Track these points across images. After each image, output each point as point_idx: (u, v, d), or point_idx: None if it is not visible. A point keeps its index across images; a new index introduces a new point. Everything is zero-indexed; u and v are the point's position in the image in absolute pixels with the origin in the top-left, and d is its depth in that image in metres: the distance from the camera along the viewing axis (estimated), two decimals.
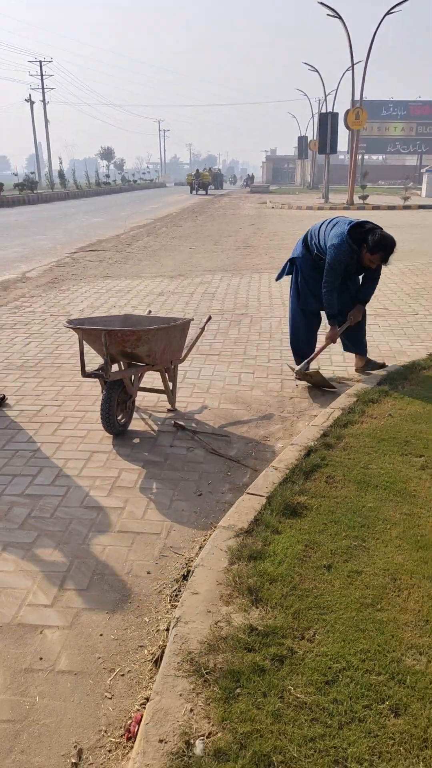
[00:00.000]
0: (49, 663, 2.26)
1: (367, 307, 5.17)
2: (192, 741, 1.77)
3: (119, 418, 4.11)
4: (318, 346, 5.19)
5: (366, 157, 72.58)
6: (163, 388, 4.43)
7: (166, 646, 2.19)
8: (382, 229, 4.66)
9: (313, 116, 54.83)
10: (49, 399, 4.77)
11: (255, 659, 2.03)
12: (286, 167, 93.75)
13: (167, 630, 2.33)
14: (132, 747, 1.89)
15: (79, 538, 3.00)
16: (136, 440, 4.07)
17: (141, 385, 4.55)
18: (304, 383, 5.12)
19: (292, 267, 5.22)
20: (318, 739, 1.76)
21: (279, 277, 5.51)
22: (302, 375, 5.04)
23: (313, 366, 5.22)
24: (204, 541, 2.92)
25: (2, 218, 23.96)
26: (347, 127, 29.65)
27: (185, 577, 2.65)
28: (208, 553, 2.67)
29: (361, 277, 5.00)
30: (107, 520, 3.16)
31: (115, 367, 4.24)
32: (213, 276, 10.33)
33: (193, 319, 4.70)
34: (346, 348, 5.42)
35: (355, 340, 5.30)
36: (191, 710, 1.87)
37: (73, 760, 1.89)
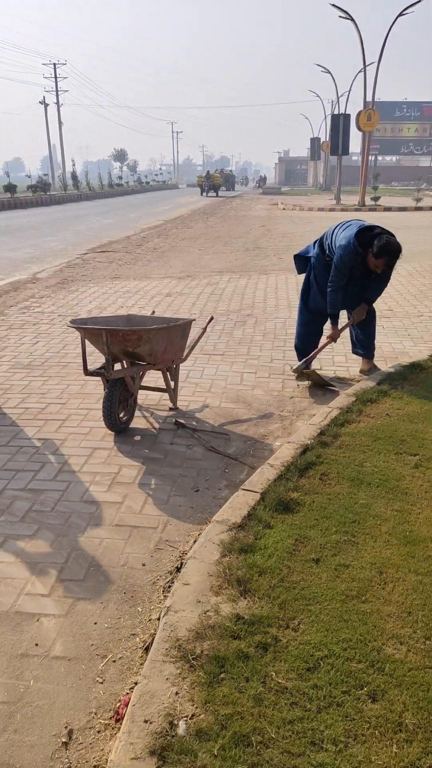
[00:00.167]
0: (45, 649, 2.34)
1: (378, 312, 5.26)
2: (175, 722, 1.85)
3: (121, 415, 4.20)
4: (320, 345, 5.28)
5: (379, 158, 72.45)
6: (165, 387, 4.52)
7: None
8: (390, 234, 4.71)
9: (325, 118, 54.82)
10: (54, 397, 4.87)
11: (240, 646, 2.11)
12: (299, 168, 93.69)
13: (159, 619, 2.41)
14: (120, 728, 1.97)
15: (78, 531, 3.09)
16: (137, 437, 4.16)
17: (144, 384, 4.64)
18: (305, 383, 5.19)
19: (307, 265, 5.31)
20: (296, 722, 1.84)
21: (300, 272, 5.55)
22: (300, 373, 5.13)
23: (314, 366, 5.29)
24: (198, 535, 3.00)
25: (15, 220, 24.17)
26: (359, 128, 29.63)
27: (179, 570, 2.73)
28: (201, 546, 2.75)
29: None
30: (105, 514, 3.24)
31: (118, 367, 4.32)
32: (221, 277, 10.41)
33: (194, 319, 4.78)
34: (354, 350, 5.49)
35: (364, 343, 5.37)
36: (176, 693, 1.95)
37: (64, 740, 1.97)
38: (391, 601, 2.37)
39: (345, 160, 40.92)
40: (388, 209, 27.68)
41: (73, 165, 50.02)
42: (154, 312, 5.48)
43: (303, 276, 5.47)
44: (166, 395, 4.76)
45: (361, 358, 5.51)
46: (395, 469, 3.43)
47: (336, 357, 5.84)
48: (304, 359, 5.23)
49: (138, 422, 4.41)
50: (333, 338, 5.06)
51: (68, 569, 2.80)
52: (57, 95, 66.54)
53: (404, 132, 68.90)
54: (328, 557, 2.64)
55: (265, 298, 8.72)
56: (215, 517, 3.00)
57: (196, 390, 5.05)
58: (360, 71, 29.40)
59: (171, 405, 4.64)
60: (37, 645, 2.36)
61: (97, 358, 5.38)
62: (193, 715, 1.87)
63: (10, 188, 33.52)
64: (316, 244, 5.26)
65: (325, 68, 43.31)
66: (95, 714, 2.07)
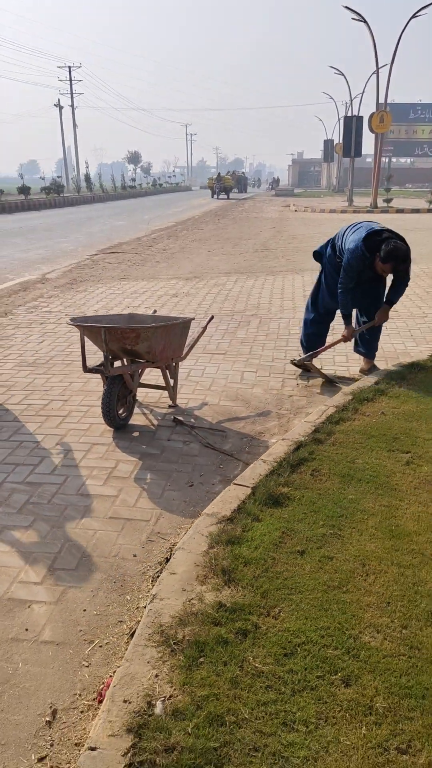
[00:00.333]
0: (34, 634, 2.42)
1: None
2: (153, 702, 1.91)
3: (120, 412, 4.27)
4: (328, 341, 5.37)
5: (394, 160, 72.17)
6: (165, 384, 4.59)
7: None
8: (399, 238, 4.75)
9: (339, 120, 54.76)
10: (56, 394, 4.96)
11: (220, 632, 2.17)
12: (313, 170, 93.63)
13: (146, 607, 2.48)
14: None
15: (73, 523, 3.17)
16: (136, 434, 4.24)
17: (144, 382, 4.72)
18: (305, 382, 5.24)
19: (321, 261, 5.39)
20: (270, 704, 1.90)
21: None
22: (300, 365, 5.25)
23: (316, 364, 5.35)
24: (189, 527, 3.06)
25: (28, 221, 24.39)
26: (371, 130, 29.63)
27: (168, 560, 2.79)
28: (190, 538, 2.82)
29: (389, 278, 5.07)
30: (100, 507, 3.32)
31: (118, 364, 4.40)
32: (228, 278, 10.48)
33: (194, 318, 4.86)
34: (356, 348, 5.54)
35: (368, 344, 5.42)
36: (156, 675, 2.02)
37: (48, 719, 2.05)
38: (371, 591, 2.42)
39: (359, 161, 40.92)
40: (400, 211, 27.67)
41: (87, 167, 50.33)
42: (155, 311, 5.56)
43: (310, 277, 5.55)
44: (166, 393, 4.83)
45: (362, 357, 5.56)
46: (386, 466, 3.48)
47: (337, 357, 5.89)
48: (311, 353, 5.34)
49: (137, 419, 4.49)
50: (347, 338, 5.11)
51: (61, 559, 2.88)
52: (71, 98, 66.92)
53: (419, 134, 68.52)
54: (313, 549, 2.69)
55: (271, 298, 8.77)
56: (205, 510, 3.07)
57: (196, 388, 5.12)
58: (373, 73, 29.43)
59: (171, 402, 4.71)
60: (27, 630, 2.44)
61: (99, 356, 5.46)
62: (170, 696, 1.93)
63: (24, 190, 33.80)
64: (329, 245, 5.33)
65: (338, 70, 43.35)
66: (79, 695, 2.14)
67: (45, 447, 4.02)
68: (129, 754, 1.74)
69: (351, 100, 43.68)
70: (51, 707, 2.09)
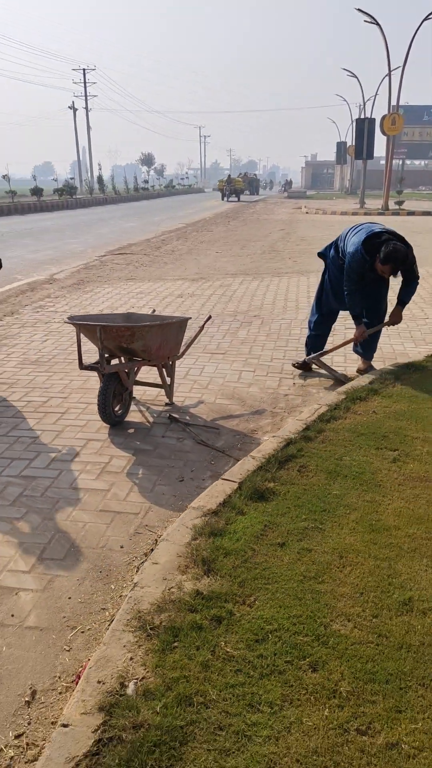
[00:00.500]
0: (20, 619, 2.51)
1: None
2: (126, 683, 1.99)
3: (116, 409, 4.36)
4: (329, 342, 5.47)
5: (407, 162, 71.96)
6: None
7: None
8: (399, 239, 4.80)
9: (352, 122, 54.73)
10: (56, 391, 5.06)
11: (195, 618, 2.25)
12: (326, 172, 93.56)
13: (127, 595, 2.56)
14: None
15: (64, 515, 3.26)
16: (131, 430, 4.32)
17: (142, 380, 4.80)
18: (301, 382, 5.31)
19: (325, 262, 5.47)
20: (238, 686, 1.97)
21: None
22: (303, 364, 5.43)
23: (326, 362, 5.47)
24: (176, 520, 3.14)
25: (40, 222, 24.61)
26: (383, 132, 29.60)
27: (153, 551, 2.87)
28: (174, 530, 2.90)
29: (400, 278, 5.12)
30: (91, 500, 3.40)
31: (116, 362, 4.49)
32: (234, 279, 10.56)
33: (190, 318, 4.93)
34: (355, 348, 5.60)
35: (367, 344, 5.47)
36: (131, 658, 2.10)
37: (27, 699, 2.13)
38: (346, 582, 2.49)
39: (372, 164, 40.99)
40: (411, 213, 27.63)
41: (99, 169, 50.65)
42: (154, 311, 5.64)
43: (315, 279, 5.62)
44: (163, 391, 4.91)
45: (359, 357, 5.61)
46: (373, 463, 3.53)
47: (335, 357, 5.93)
48: (320, 352, 5.44)
49: (134, 416, 4.57)
50: (359, 337, 5.16)
51: (50, 549, 2.96)
52: (86, 100, 67.42)
53: None
54: (293, 542, 2.76)
55: (275, 300, 8.84)
56: (192, 504, 3.14)
57: (193, 387, 5.19)
58: (386, 76, 29.43)
59: (167, 400, 4.79)
60: (12, 616, 2.52)
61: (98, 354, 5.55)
62: (143, 678, 2.01)
63: (37, 191, 34.08)
64: (332, 246, 5.39)
65: (351, 72, 43.34)
66: (59, 677, 2.23)
67: (42, 442, 4.11)
68: (99, 731, 1.82)
69: (364, 103, 43.65)
70: (31, 688, 2.18)
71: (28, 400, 4.88)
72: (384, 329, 5.64)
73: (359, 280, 4.89)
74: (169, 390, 4.72)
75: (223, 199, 46.47)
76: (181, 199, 51.27)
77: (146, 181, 63.20)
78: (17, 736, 1.99)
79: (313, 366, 5.58)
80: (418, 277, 5.05)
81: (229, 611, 2.30)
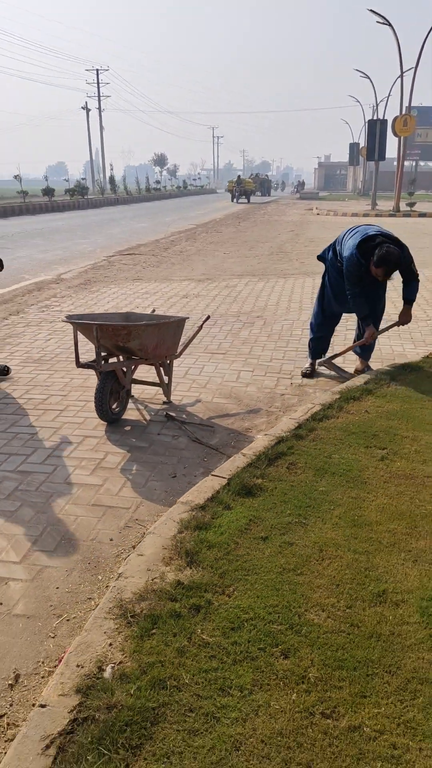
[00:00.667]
0: (8, 608, 2.60)
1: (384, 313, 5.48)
2: (104, 667, 2.07)
3: (113, 406, 4.45)
4: (333, 342, 5.68)
5: (422, 163, 71.73)
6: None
7: None
8: (393, 241, 4.86)
9: (365, 123, 54.69)
10: (56, 389, 5.16)
11: (174, 607, 2.33)
12: (339, 174, 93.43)
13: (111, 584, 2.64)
14: None
15: (57, 509, 3.35)
16: (128, 428, 4.41)
17: (141, 379, 4.89)
18: (297, 381, 5.38)
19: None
20: (211, 671, 2.04)
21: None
22: (312, 369, 5.58)
23: (307, 364, 5.51)
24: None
25: (51, 222, 24.81)
26: (395, 134, 29.56)
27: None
28: (162, 523, 2.98)
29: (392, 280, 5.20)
30: (85, 495, 3.49)
31: (113, 361, 4.57)
32: (240, 280, 10.63)
33: (188, 318, 5.01)
34: (354, 349, 5.65)
35: (368, 346, 5.53)
36: (110, 644, 2.18)
37: (10, 683, 2.22)
38: (324, 574, 2.55)
39: (386, 165, 40.90)
40: (423, 215, 27.58)
41: (111, 169, 50.98)
42: (154, 311, 5.73)
43: (320, 280, 5.68)
44: (162, 389, 4.99)
45: (357, 357, 5.67)
46: (361, 461, 3.60)
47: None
48: (332, 356, 5.57)
49: (131, 414, 4.66)
50: (369, 339, 5.22)
51: (41, 541, 3.05)
52: (99, 101, 67.72)
53: None
54: (276, 536, 2.83)
55: (279, 300, 8.91)
56: (180, 499, 3.22)
57: (192, 386, 5.27)
58: (398, 77, 29.38)
59: (165, 399, 4.87)
60: (1, 604, 2.61)
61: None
62: (120, 662, 2.09)
63: (48, 192, 34.31)
64: (331, 249, 5.46)
65: (364, 73, 43.27)
66: (42, 663, 2.31)
67: (39, 438, 4.21)
68: (75, 711, 1.90)
69: (376, 104, 43.58)
70: (15, 672, 2.27)
71: (29, 397, 4.98)
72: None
73: (360, 282, 4.95)
74: (166, 389, 4.80)
75: (232, 201, 45.99)
76: (192, 200, 51.41)
77: (158, 182, 63.41)
78: None
79: (320, 367, 5.64)
80: (417, 276, 5.10)
81: (208, 600, 2.37)
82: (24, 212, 30.09)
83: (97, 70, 68.37)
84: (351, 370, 5.62)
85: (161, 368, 4.70)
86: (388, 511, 3.06)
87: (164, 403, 4.87)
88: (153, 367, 4.89)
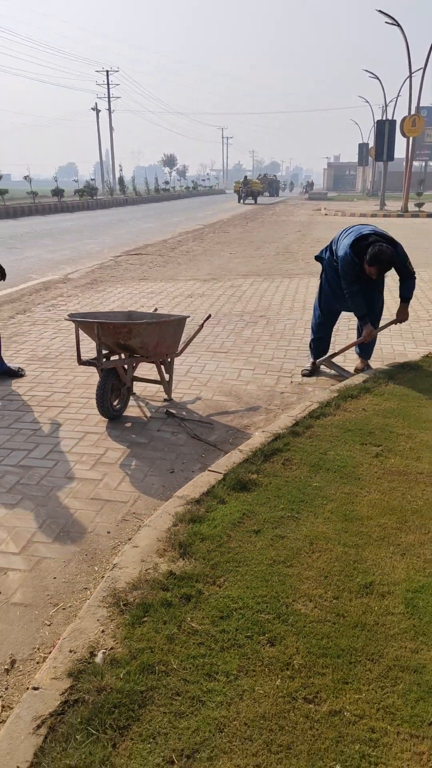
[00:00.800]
0: (6, 596, 2.67)
1: (384, 311, 5.52)
2: (95, 652, 2.14)
3: (115, 403, 4.52)
4: (335, 341, 5.74)
5: (431, 164, 71.39)
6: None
7: None
8: (386, 240, 4.91)
9: (374, 123, 54.60)
10: (60, 387, 5.24)
11: (166, 596, 2.39)
12: (348, 174, 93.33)
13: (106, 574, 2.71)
14: None
15: (56, 502, 3.42)
16: (128, 424, 4.48)
17: (142, 377, 4.96)
18: (298, 380, 5.43)
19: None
20: (198, 657, 2.11)
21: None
22: (313, 368, 5.60)
23: (307, 363, 5.56)
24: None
25: (60, 223, 24.96)
26: (403, 134, 29.54)
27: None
28: (157, 516, 3.05)
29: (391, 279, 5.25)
30: (84, 489, 3.57)
31: (115, 359, 4.65)
32: (245, 280, 10.69)
33: (189, 316, 5.08)
34: (360, 351, 5.70)
35: (367, 345, 5.59)
36: (102, 631, 2.25)
37: (6, 668, 2.29)
38: (313, 567, 2.61)
39: (395, 165, 40.80)
40: (431, 215, 27.52)
41: (120, 170, 51.08)
42: (156, 309, 5.80)
43: None
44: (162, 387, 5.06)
45: (358, 356, 5.72)
46: (355, 458, 3.65)
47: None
48: (329, 354, 5.60)
49: (132, 411, 4.73)
50: (367, 337, 5.27)
51: (40, 533, 3.13)
52: (109, 102, 67.98)
53: None
54: (268, 529, 2.89)
55: (282, 300, 8.96)
56: (177, 493, 3.29)
57: (193, 384, 5.34)
58: (407, 78, 29.36)
59: (166, 396, 4.94)
60: (0, 593, 2.69)
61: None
62: (111, 648, 2.16)
63: (58, 192, 34.49)
64: (328, 249, 5.52)
65: (373, 74, 43.22)
66: (38, 649, 2.39)
67: (42, 434, 4.29)
68: (66, 694, 1.97)
69: (386, 104, 43.49)
70: (11, 658, 2.34)
71: (33, 394, 5.06)
72: (387, 329, 5.75)
73: (357, 281, 5.00)
74: (167, 386, 4.87)
75: (239, 202, 45.32)
76: (201, 201, 51.51)
77: (167, 182, 63.55)
78: None
79: (321, 366, 5.69)
80: (413, 273, 5.15)
81: (199, 590, 2.44)
82: (34, 213, 30.28)
83: (107, 71, 68.65)
84: (351, 369, 5.66)
85: (162, 366, 4.77)
86: (380, 506, 3.12)
87: (165, 400, 4.94)
88: (154, 365, 4.97)
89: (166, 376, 4.85)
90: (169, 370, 4.86)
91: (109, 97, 68.05)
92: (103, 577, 2.78)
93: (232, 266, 12.45)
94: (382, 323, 5.55)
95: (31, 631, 2.48)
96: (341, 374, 5.48)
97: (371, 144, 53.11)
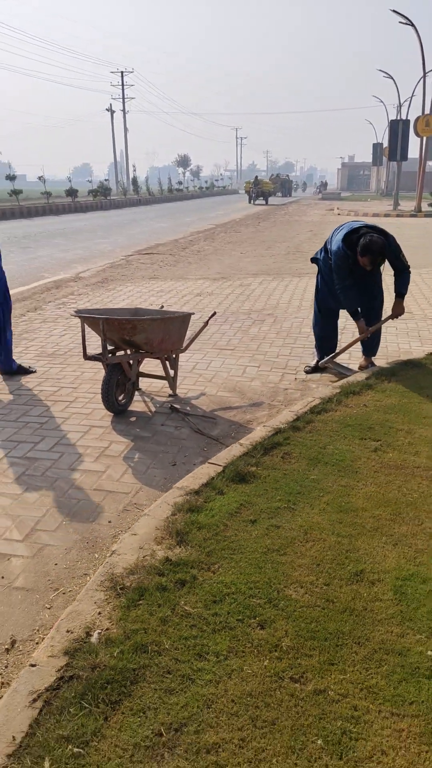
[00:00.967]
0: (9, 581, 2.76)
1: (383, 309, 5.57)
2: (91, 633, 2.22)
3: (120, 398, 4.61)
4: (342, 340, 5.80)
5: None
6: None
7: None
8: (377, 232, 4.98)
9: (389, 123, 54.37)
10: (67, 382, 5.34)
11: (161, 581, 2.47)
12: (362, 174, 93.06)
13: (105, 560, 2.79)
14: None
15: (60, 493, 3.51)
16: (133, 419, 4.57)
17: (148, 372, 5.05)
18: (302, 376, 5.49)
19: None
20: (190, 639, 2.18)
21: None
22: (315, 368, 5.62)
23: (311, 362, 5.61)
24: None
25: (74, 223, 25.15)
26: (417, 134, 29.45)
27: None
28: (157, 506, 3.13)
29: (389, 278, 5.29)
30: (87, 480, 3.65)
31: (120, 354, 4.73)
32: (254, 279, 10.76)
33: (193, 313, 5.15)
34: (363, 349, 5.74)
35: (370, 343, 5.64)
36: (99, 613, 2.33)
37: (7, 647, 2.38)
38: (306, 555, 2.68)
39: (408, 165, 40.61)
40: None
41: (134, 170, 51.39)
42: (162, 306, 5.88)
43: None
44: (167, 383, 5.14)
45: (362, 355, 5.77)
46: (354, 452, 3.71)
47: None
48: (331, 355, 5.61)
49: (137, 406, 4.81)
50: (362, 332, 5.32)
51: (43, 522, 3.22)
52: (123, 103, 68.27)
53: None
54: (264, 519, 2.96)
55: (291, 299, 9.02)
56: (176, 484, 3.37)
57: (198, 380, 5.42)
58: (421, 78, 29.26)
59: (171, 392, 5.02)
60: (3, 578, 2.78)
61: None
62: (107, 629, 2.24)
63: (72, 193, 34.71)
64: (323, 249, 5.58)
65: (387, 74, 43.14)
66: (37, 631, 2.47)
67: (48, 428, 4.38)
68: (61, 670, 2.05)
69: (400, 104, 43.34)
70: (11, 638, 2.43)
71: (41, 389, 5.16)
72: (394, 329, 5.78)
73: (349, 276, 5.06)
74: (172, 382, 4.95)
75: (249, 202, 44.54)
76: (214, 200, 51.60)
77: (180, 183, 63.69)
78: None
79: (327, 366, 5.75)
80: (407, 267, 5.21)
81: (194, 576, 2.51)
82: (47, 213, 30.51)
83: (122, 72, 68.94)
84: (356, 367, 5.71)
85: (167, 362, 4.85)
86: (375, 498, 3.18)
87: (170, 396, 5.02)
88: (160, 361, 5.05)
89: (171, 372, 4.93)
90: (174, 366, 4.94)
91: (123, 98, 68.35)
92: (102, 564, 2.86)
93: (242, 265, 12.51)
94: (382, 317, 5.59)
95: (31, 614, 2.57)
96: (344, 372, 5.53)
97: (385, 144, 53.00)
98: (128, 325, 4.34)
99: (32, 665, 2.09)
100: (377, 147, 59.16)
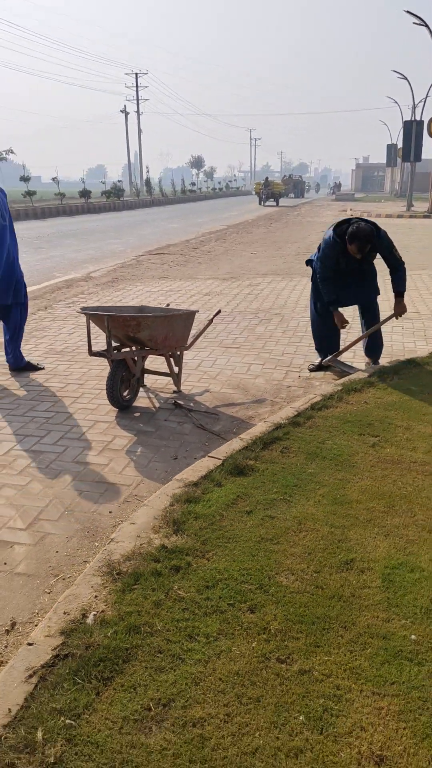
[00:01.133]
0: (11, 567, 2.85)
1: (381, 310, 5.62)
2: (87, 614, 2.31)
3: (125, 394, 4.70)
4: (346, 339, 5.91)
5: None
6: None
7: None
8: (363, 222, 5.07)
9: (403, 124, 54.18)
10: (74, 378, 5.44)
11: (156, 567, 2.55)
12: (376, 175, 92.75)
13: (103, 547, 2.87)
14: None
15: (63, 484, 3.60)
16: (137, 414, 4.65)
17: (153, 369, 5.14)
18: (305, 374, 5.56)
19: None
20: (182, 621, 2.26)
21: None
22: (319, 367, 5.67)
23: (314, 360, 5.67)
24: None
25: (86, 223, 25.34)
26: (430, 135, 29.39)
27: None
28: (156, 497, 3.21)
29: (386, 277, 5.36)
30: (90, 472, 3.74)
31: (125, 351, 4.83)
32: (263, 279, 10.83)
33: (197, 311, 5.23)
34: (366, 350, 5.80)
35: (373, 346, 5.70)
36: (95, 596, 2.42)
37: (7, 629, 2.47)
38: (299, 544, 2.75)
39: (423, 166, 40.62)
40: None
41: (147, 171, 51.51)
42: (168, 305, 5.96)
43: None
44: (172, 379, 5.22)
45: (367, 358, 5.83)
46: (352, 447, 3.77)
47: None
48: (334, 354, 5.66)
49: (142, 401, 4.90)
50: (339, 322, 5.35)
51: (46, 511, 3.31)
52: (137, 104, 68.53)
53: None
54: (259, 510, 3.04)
55: (299, 298, 9.08)
56: (176, 476, 3.45)
57: (203, 377, 5.50)
58: None
59: (175, 388, 5.11)
60: (5, 564, 2.87)
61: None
62: (102, 611, 2.33)
63: (85, 194, 34.95)
64: (317, 250, 5.65)
65: (401, 74, 42.96)
66: (37, 614, 2.56)
67: (54, 422, 4.48)
68: (57, 649, 2.14)
69: (414, 105, 43.16)
70: (12, 621, 2.52)
71: (48, 385, 5.27)
72: (400, 327, 5.82)
73: (335, 267, 5.16)
74: (176, 379, 5.03)
75: (260, 204, 43.75)
76: (227, 201, 51.69)
77: (193, 184, 63.85)
78: None
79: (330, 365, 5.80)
80: (402, 263, 5.27)
81: (188, 563, 2.59)
82: (61, 214, 30.74)
83: (136, 74, 69.22)
84: (361, 366, 5.76)
85: (171, 359, 4.93)
86: (370, 491, 3.24)
87: (174, 392, 5.11)
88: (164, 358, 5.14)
89: (176, 369, 5.01)
90: (179, 363, 5.03)
91: (138, 100, 68.63)
92: (101, 551, 2.95)
93: (252, 266, 12.59)
94: (382, 317, 5.62)
95: (32, 598, 2.66)
96: (347, 371, 5.58)
97: (399, 145, 52.85)
98: (132, 321, 4.43)
99: (29, 644, 2.18)
100: (391, 148, 58.99)
